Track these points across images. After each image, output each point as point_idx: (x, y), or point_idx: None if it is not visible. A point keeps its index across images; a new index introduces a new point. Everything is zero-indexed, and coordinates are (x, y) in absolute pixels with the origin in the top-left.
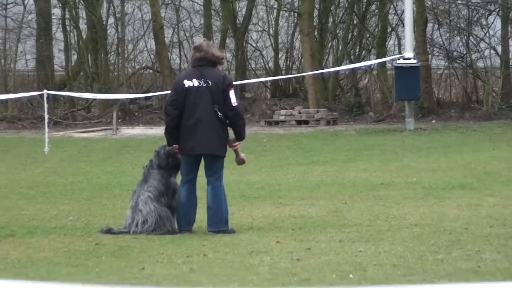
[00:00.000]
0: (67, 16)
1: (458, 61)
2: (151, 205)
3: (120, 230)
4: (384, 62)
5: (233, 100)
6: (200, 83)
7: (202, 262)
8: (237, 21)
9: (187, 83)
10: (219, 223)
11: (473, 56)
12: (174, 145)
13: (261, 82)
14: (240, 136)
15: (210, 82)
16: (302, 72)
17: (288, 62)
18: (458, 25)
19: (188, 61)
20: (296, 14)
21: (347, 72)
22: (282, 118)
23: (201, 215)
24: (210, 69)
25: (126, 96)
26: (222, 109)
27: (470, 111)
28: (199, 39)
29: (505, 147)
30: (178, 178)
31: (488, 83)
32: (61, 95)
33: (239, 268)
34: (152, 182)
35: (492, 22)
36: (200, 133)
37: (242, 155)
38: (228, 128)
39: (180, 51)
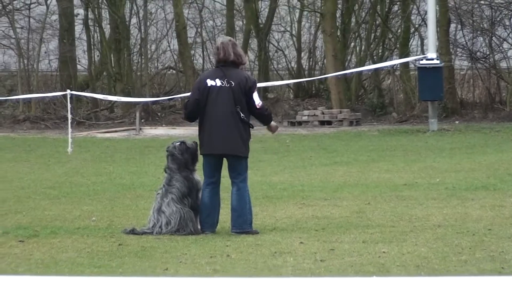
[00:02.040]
0: (90, 16)
1: (481, 61)
2: (174, 207)
3: (143, 230)
4: (407, 63)
5: (257, 102)
6: (223, 83)
7: (225, 263)
8: (260, 21)
9: (209, 82)
10: (243, 224)
11: (496, 57)
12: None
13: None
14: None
15: (233, 83)
16: (325, 72)
17: (310, 62)
18: (481, 26)
19: (211, 61)
20: (318, 14)
21: (370, 73)
22: (305, 118)
23: (224, 216)
24: (233, 70)
25: (149, 99)
26: (244, 110)
27: (493, 112)
28: (220, 38)
29: None
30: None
31: None
32: (84, 96)
33: (263, 269)
34: (175, 184)
35: None
36: (222, 133)
37: (273, 123)
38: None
39: (203, 51)
